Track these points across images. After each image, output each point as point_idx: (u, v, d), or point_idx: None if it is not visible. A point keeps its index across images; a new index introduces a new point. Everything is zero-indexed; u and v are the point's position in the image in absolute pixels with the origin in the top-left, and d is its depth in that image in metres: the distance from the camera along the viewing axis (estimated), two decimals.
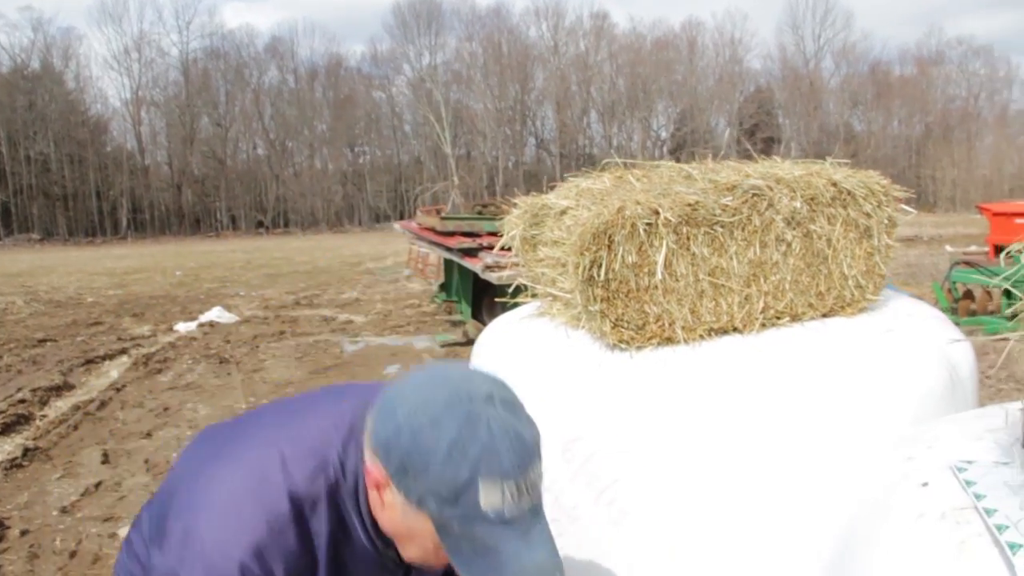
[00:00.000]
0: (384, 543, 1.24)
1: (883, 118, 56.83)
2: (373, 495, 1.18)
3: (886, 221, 2.39)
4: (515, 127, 55.54)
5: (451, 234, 8.68)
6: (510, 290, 2.73)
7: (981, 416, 1.57)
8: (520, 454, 1.11)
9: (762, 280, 2.24)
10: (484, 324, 9.03)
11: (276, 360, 9.08)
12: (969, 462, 1.26)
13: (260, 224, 51.01)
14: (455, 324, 10.10)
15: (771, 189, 2.19)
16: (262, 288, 16.80)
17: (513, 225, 2.57)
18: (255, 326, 11.51)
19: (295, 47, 55.63)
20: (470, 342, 9.13)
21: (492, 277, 7.22)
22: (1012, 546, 1.01)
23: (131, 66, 51.10)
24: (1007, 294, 9.59)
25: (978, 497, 1.14)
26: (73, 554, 4.11)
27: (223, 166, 52.34)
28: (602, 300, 2.11)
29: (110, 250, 36.63)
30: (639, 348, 2.15)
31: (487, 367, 2.57)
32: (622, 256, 2.08)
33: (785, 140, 52.43)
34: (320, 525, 1.19)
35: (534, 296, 2.63)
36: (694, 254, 2.15)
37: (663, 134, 57.49)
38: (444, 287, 10.58)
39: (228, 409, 7.06)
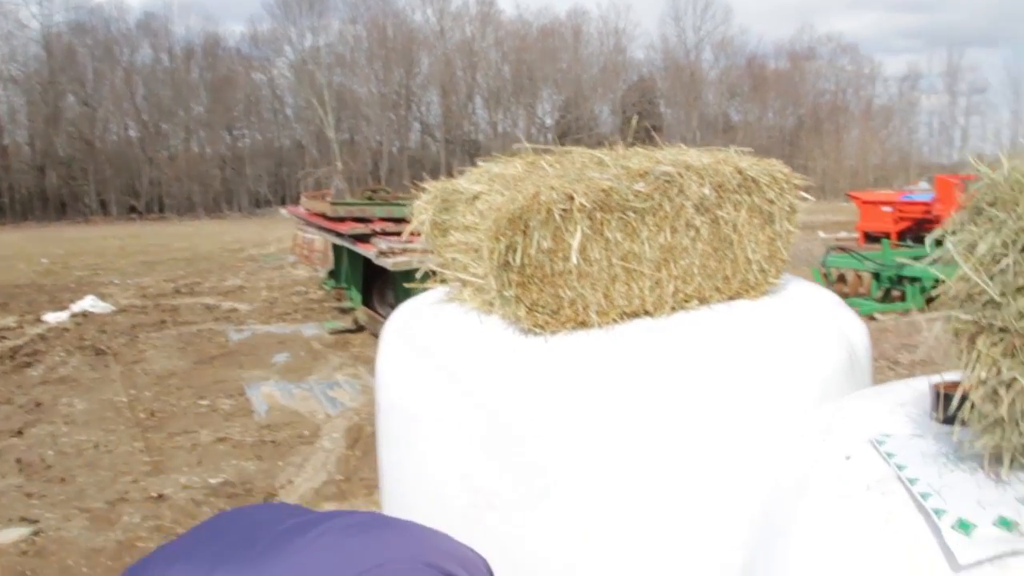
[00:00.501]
0: None
1: (759, 109, 59.04)
2: None
3: (787, 208, 2.46)
4: (400, 112, 54.77)
5: (342, 220, 8.50)
6: (418, 275, 2.68)
7: (885, 392, 1.64)
8: None
9: (672, 265, 2.27)
10: (375, 311, 8.92)
11: (157, 351, 8.71)
12: (887, 435, 1.31)
13: (133, 209, 48.47)
14: (344, 311, 9.92)
15: (681, 176, 2.22)
16: (138, 276, 16.07)
17: (422, 210, 2.52)
18: (133, 316, 11.01)
19: (169, 25, 53.15)
20: (360, 329, 9.00)
21: (387, 263, 7.11)
22: (937, 512, 1.05)
23: None
24: (876, 277, 10.19)
25: (900, 468, 1.19)
26: None
27: (92, 148, 49.45)
28: (517, 285, 2.10)
29: None
30: (553, 332, 2.15)
31: (397, 351, 2.53)
32: (537, 241, 2.07)
33: (666, 128, 53.76)
34: None
35: (443, 282, 2.60)
36: (607, 239, 2.16)
37: (548, 121, 57.94)
38: (333, 274, 10.38)
39: (108, 403, 6.74)
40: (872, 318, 9.21)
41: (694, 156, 2.35)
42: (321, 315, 10.46)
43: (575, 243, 2.09)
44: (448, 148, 53.07)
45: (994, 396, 1.06)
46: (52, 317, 10.67)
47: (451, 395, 2.21)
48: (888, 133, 58.20)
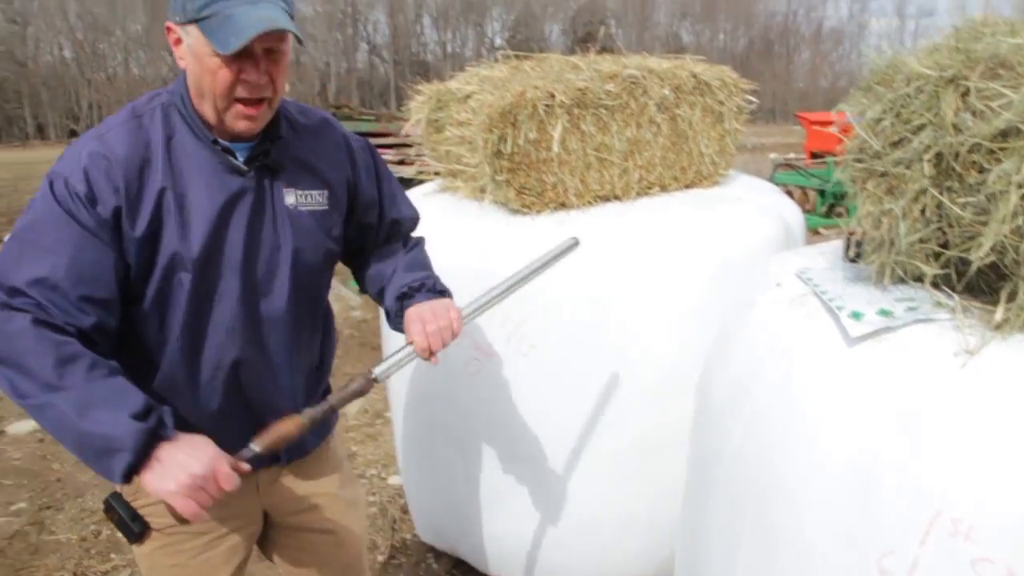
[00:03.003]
0: (223, 150, 1.58)
1: (710, 31, 59.16)
2: (177, 56, 1.57)
3: (735, 108, 2.86)
4: (346, 32, 53.69)
5: None
6: (414, 170, 3.02)
7: (814, 249, 2.06)
8: None
9: (637, 156, 2.65)
10: None
11: None
12: (808, 268, 1.73)
13: (73, 133, 46.87)
14: None
15: (645, 79, 2.59)
16: None
17: (419, 110, 2.85)
18: None
19: None
20: None
21: None
22: (839, 308, 1.47)
23: None
24: (821, 194, 10.70)
25: (816, 286, 1.61)
26: None
27: (24, 69, 47.76)
28: (507, 171, 2.47)
29: None
30: (538, 212, 2.53)
31: None
32: (525, 133, 2.43)
33: (616, 50, 53.47)
34: (155, 132, 1.56)
35: (436, 174, 2.95)
36: (583, 132, 2.53)
37: (497, 40, 57.29)
38: None
39: None
40: (816, 232, 9.69)
41: (655, 62, 2.72)
42: None
43: (556, 135, 2.46)
44: (397, 69, 52.27)
45: (878, 223, 1.48)
46: None
47: (454, 263, 2.58)
48: (838, 56, 58.85)
